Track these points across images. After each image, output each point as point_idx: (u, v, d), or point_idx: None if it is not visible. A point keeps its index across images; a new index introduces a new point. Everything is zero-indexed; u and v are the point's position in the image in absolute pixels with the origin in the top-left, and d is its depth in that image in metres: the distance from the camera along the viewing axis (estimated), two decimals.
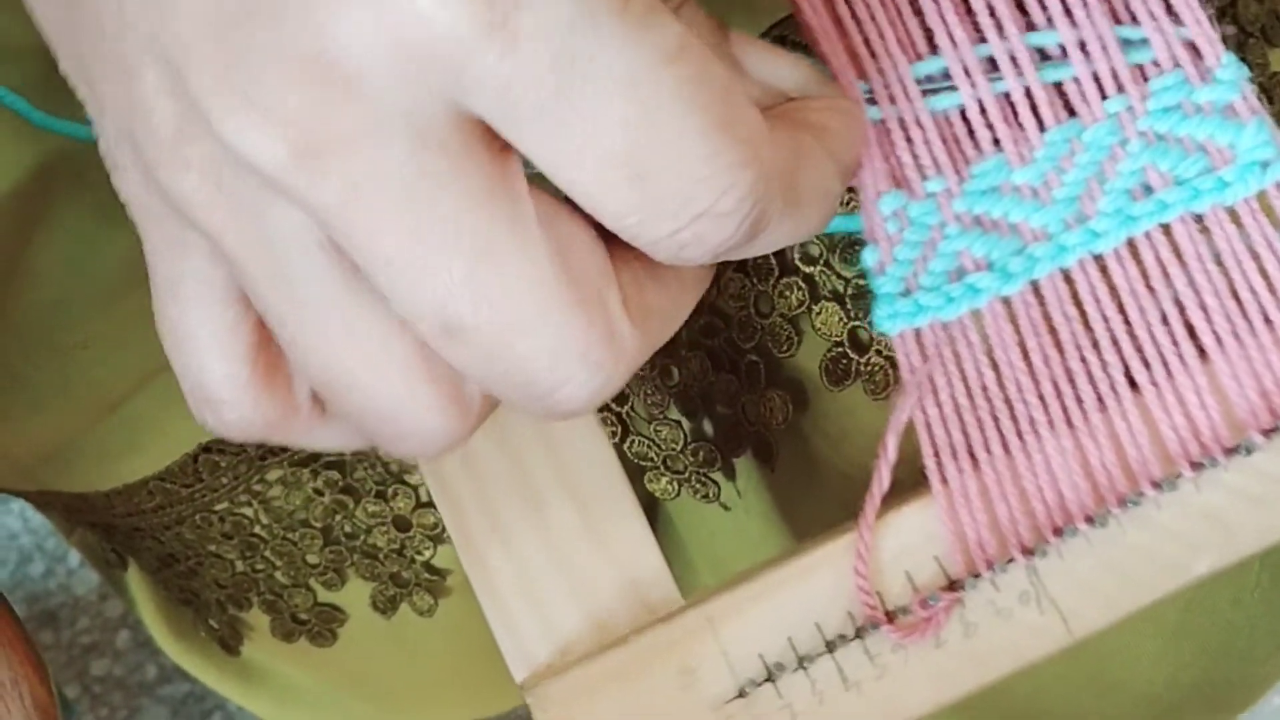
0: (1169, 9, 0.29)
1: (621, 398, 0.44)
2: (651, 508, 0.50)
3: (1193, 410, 0.29)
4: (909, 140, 0.29)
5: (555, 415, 0.24)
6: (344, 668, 0.49)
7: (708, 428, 0.44)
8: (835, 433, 0.40)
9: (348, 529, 0.45)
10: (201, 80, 0.22)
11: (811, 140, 0.26)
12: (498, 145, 0.23)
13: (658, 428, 0.43)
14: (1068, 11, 0.29)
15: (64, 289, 0.39)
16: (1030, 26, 0.29)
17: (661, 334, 0.26)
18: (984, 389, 0.29)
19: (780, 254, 0.38)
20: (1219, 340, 0.29)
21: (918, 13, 0.29)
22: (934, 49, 0.29)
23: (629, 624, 0.30)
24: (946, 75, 0.29)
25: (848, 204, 0.30)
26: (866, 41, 0.29)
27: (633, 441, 0.44)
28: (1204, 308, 0.29)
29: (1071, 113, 0.29)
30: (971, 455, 0.29)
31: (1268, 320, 0.29)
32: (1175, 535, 0.29)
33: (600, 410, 0.44)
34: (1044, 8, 0.29)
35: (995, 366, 0.29)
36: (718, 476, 0.44)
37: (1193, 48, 0.29)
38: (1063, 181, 0.29)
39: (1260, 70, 0.40)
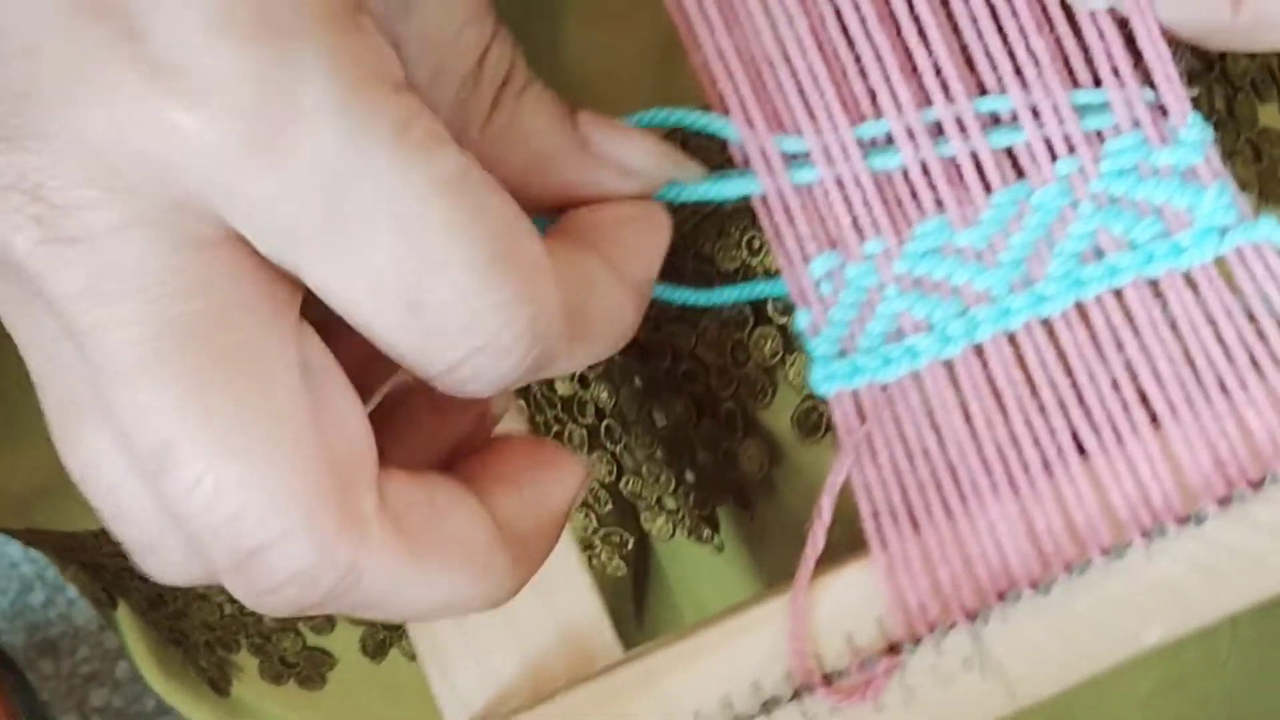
0: (1137, 62, 0.29)
1: (615, 437, 0.44)
2: (643, 551, 0.50)
3: (1144, 477, 0.28)
4: (848, 201, 0.28)
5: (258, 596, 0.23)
6: (334, 710, 0.49)
7: (692, 474, 0.44)
8: (806, 488, 0.40)
9: None
10: None
11: (599, 265, 0.25)
12: (268, 275, 0.22)
13: (650, 468, 0.43)
14: (1018, 72, 0.29)
15: None
16: (981, 88, 0.29)
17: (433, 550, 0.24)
18: (925, 452, 0.28)
19: (756, 303, 0.38)
20: (1172, 407, 0.28)
21: (862, 73, 0.28)
22: (878, 109, 0.29)
23: (567, 674, 0.29)
24: (890, 137, 0.29)
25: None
26: (805, 100, 0.28)
27: (628, 480, 0.44)
28: (1157, 374, 0.28)
29: (1020, 173, 0.28)
30: (912, 518, 0.28)
31: (1223, 388, 0.28)
32: (1125, 604, 0.28)
33: (594, 448, 0.44)
34: (994, 68, 0.29)
35: (936, 429, 0.28)
36: (709, 518, 0.44)
37: (1159, 107, 0.28)
38: (1009, 244, 0.28)
39: (1250, 126, 0.39)
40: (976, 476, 0.28)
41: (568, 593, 0.30)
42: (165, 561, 0.24)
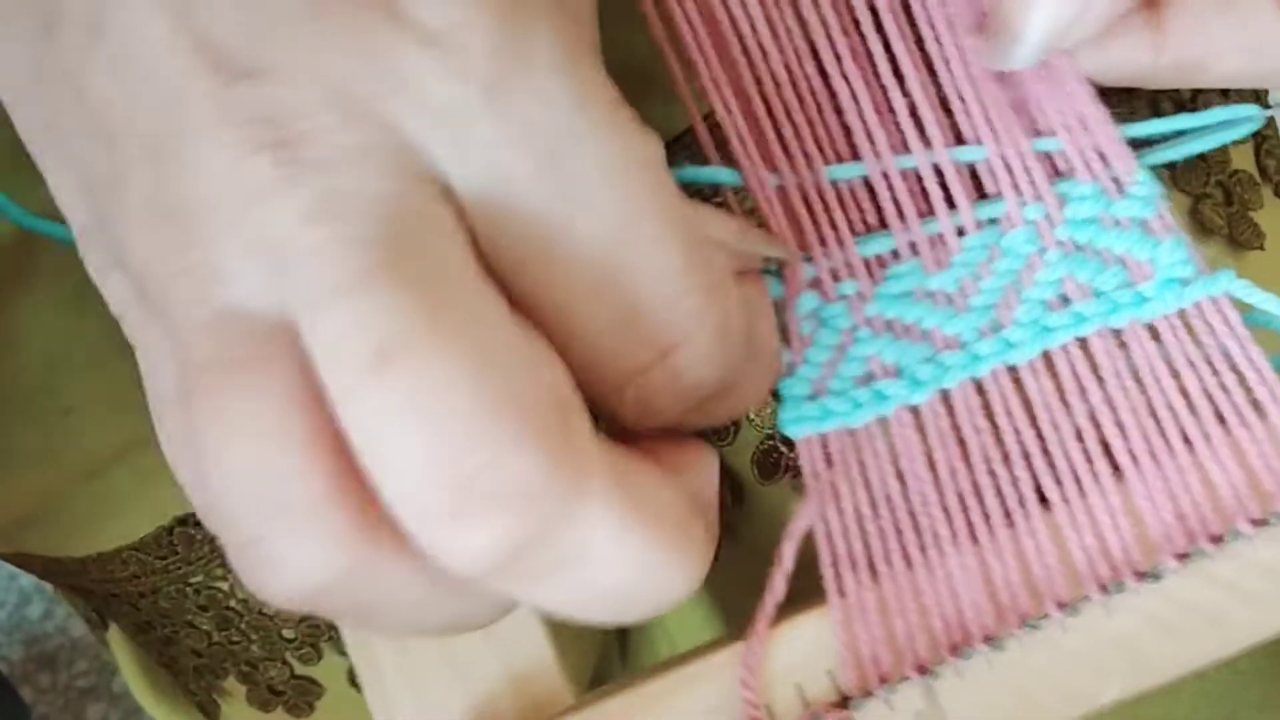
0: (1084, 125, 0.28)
1: None
2: None
3: (1104, 530, 0.28)
4: (823, 243, 0.28)
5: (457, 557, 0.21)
6: None
7: None
8: (763, 531, 0.39)
9: None
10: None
11: (754, 292, 0.25)
12: (466, 234, 0.22)
13: None
14: (988, 119, 0.29)
15: (48, 353, 0.39)
16: (955, 131, 0.29)
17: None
18: (888, 499, 0.28)
19: None
20: (1135, 459, 0.28)
21: (838, 110, 0.28)
22: (855, 153, 0.28)
23: (515, 719, 0.29)
24: (866, 180, 0.28)
25: None
26: (781, 140, 0.28)
27: None
28: (1120, 425, 0.28)
29: (990, 218, 0.28)
30: (871, 567, 0.28)
31: (1187, 440, 0.28)
32: (1082, 660, 0.28)
33: None
34: (967, 114, 0.29)
35: (901, 477, 0.28)
36: None
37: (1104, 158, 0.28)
38: (979, 289, 0.28)
39: (1221, 168, 0.39)
40: (937, 525, 0.28)
41: (518, 635, 0.29)
42: (317, 537, 0.21)
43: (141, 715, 1.04)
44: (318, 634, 0.45)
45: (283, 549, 0.21)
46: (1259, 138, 0.40)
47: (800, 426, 0.29)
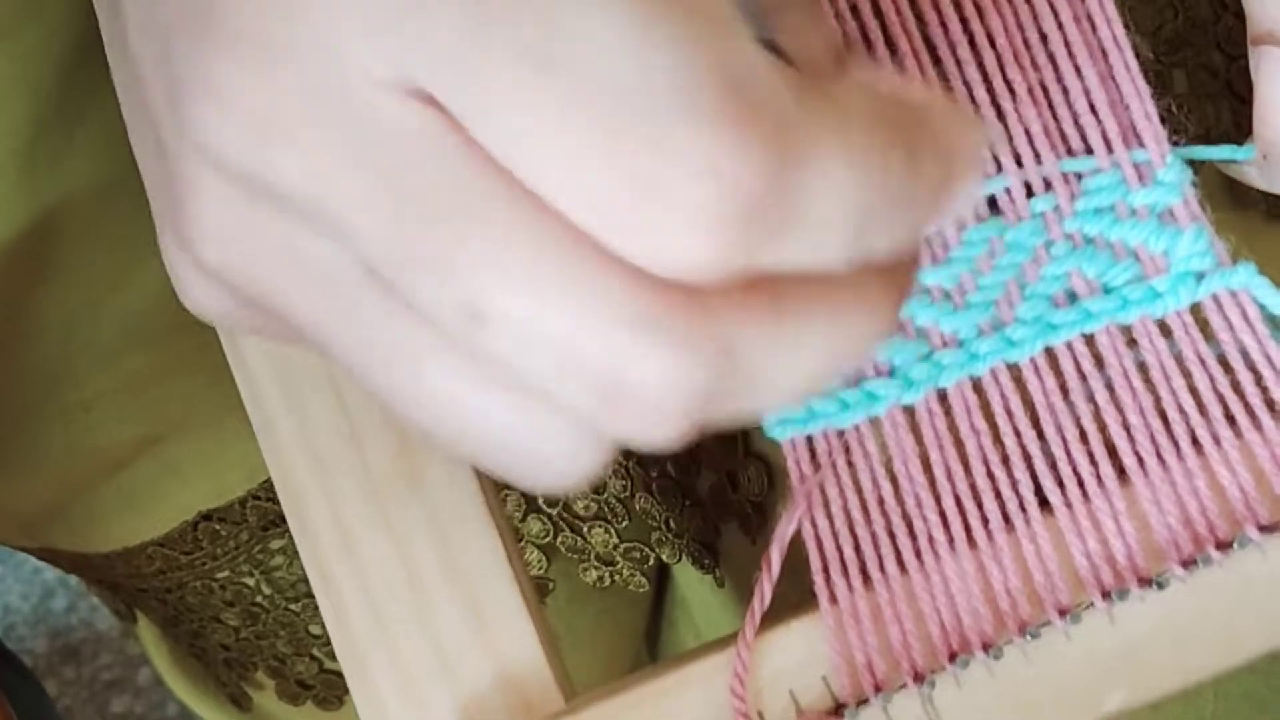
0: (1120, 98, 0.27)
1: (628, 451, 0.43)
2: (666, 573, 0.49)
3: (1108, 535, 0.26)
4: None
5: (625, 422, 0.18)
6: None
7: (695, 496, 0.43)
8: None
9: None
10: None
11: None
12: None
13: (660, 485, 0.43)
14: (994, 104, 0.28)
15: (67, 346, 0.38)
16: None
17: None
18: (880, 502, 0.27)
19: None
20: (1141, 461, 0.27)
21: None
22: None
23: None
24: None
25: None
26: None
27: (640, 498, 0.43)
28: (1126, 426, 0.27)
29: (994, 209, 0.27)
30: (864, 573, 0.27)
31: (1195, 442, 0.27)
32: (1084, 668, 0.27)
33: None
34: (972, 99, 0.28)
35: (893, 479, 0.26)
36: (711, 546, 0.43)
37: (1137, 140, 0.27)
38: (979, 285, 0.27)
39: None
40: (933, 529, 0.27)
41: (509, 638, 0.28)
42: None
43: (166, 708, 1.05)
44: None
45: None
46: None
47: (785, 428, 0.27)
